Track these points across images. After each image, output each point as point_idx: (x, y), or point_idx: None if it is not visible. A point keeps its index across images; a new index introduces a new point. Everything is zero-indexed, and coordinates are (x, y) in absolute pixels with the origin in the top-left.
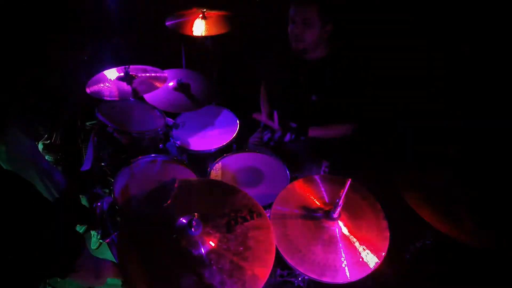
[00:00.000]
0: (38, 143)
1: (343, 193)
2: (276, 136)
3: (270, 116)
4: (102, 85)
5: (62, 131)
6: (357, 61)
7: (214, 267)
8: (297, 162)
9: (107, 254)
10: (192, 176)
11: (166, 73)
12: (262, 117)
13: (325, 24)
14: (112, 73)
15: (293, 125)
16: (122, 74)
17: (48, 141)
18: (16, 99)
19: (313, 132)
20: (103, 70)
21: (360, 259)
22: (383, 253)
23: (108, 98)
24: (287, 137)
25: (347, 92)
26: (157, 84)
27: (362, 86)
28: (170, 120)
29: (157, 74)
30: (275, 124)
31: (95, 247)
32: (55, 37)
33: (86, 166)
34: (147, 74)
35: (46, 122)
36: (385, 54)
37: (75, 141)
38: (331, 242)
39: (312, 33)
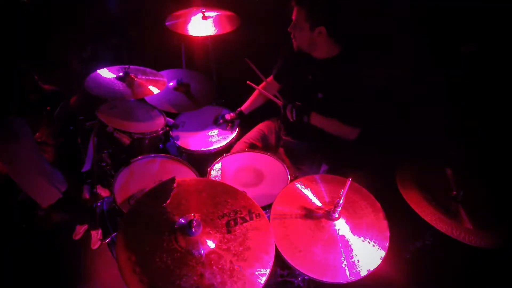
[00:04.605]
0: None
1: (343, 193)
2: (282, 106)
3: None
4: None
5: (60, 131)
6: (361, 64)
7: (214, 267)
8: (297, 162)
9: (107, 254)
10: (192, 176)
11: (166, 73)
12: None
13: (314, 27)
14: (109, 73)
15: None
16: (121, 74)
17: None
18: (17, 98)
19: (316, 119)
20: (101, 69)
21: (360, 259)
22: (383, 253)
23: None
24: (289, 111)
25: (350, 93)
26: (155, 89)
27: (366, 90)
28: (170, 120)
29: (157, 78)
30: (281, 101)
31: (95, 247)
32: (56, 37)
33: (86, 166)
34: (147, 77)
35: (44, 122)
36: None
37: (74, 142)
38: (331, 242)
39: (300, 34)
